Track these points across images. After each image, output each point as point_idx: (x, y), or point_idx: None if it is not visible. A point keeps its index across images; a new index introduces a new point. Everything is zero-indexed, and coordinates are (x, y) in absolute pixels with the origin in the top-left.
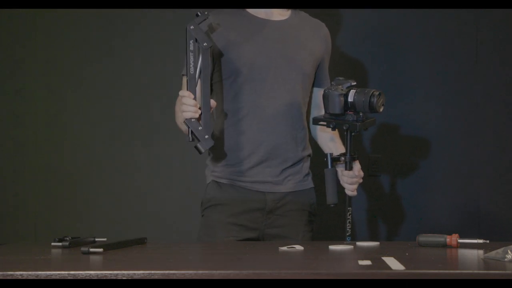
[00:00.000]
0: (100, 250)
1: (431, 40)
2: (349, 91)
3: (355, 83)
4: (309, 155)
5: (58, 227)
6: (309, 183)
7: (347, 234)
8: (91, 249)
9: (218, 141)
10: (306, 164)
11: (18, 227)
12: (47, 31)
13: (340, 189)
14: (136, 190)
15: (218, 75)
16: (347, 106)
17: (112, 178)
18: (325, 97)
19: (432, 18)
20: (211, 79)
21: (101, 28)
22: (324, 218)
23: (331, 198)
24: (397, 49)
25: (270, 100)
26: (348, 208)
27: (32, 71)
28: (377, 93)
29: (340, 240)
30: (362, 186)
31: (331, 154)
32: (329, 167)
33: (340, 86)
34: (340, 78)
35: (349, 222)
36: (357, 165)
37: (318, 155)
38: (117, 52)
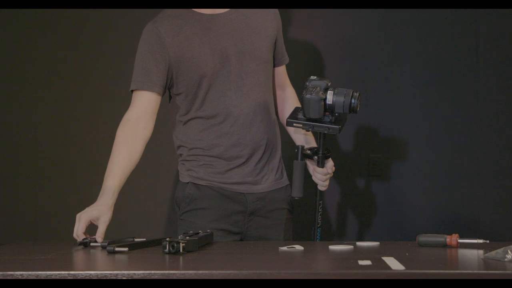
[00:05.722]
0: (125, 249)
1: (431, 40)
2: (327, 92)
3: (330, 83)
4: (278, 143)
5: (58, 227)
6: (285, 180)
7: (318, 225)
8: (117, 249)
9: (194, 142)
10: (280, 157)
11: (18, 227)
12: (47, 31)
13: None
14: (137, 189)
15: (180, 86)
16: (325, 108)
17: None
18: (305, 102)
19: (432, 18)
20: (171, 92)
21: (101, 28)
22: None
23: (297, 191)
24: (397, 49)
25: (240, 98)
26: (319, 202)
27: (32, 71)
28: (357, 94)
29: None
30: (360, 185)
31: (302, 147)
32: (299, 159)
33: (318, 89)
34: (314, 78)
35: (320, 214)
36: (329, 162)
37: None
38: (117, 52)
